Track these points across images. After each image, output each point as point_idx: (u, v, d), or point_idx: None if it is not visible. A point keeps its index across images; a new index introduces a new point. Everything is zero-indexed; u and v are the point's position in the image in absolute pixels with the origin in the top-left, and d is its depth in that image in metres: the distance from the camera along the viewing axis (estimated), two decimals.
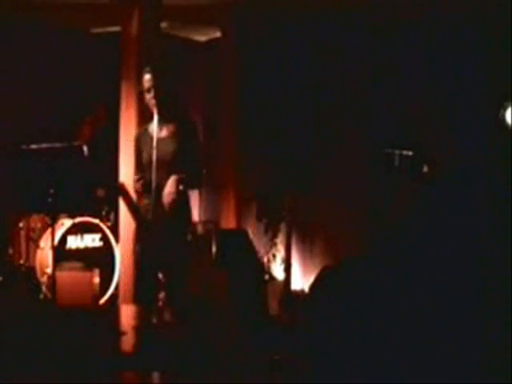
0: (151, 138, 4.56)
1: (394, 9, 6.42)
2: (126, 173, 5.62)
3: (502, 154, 5.72)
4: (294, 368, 4.99)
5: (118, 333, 5.74)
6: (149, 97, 4.58)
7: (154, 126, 4.52)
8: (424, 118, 6.50)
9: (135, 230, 4.70)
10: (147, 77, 4.59)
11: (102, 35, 7.75)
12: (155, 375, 4.45)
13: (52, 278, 5.99)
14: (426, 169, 5.87)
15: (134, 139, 4.72)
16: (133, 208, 4.70)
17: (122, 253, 6.20)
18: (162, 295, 4.59)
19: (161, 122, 4.51)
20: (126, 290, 5.92)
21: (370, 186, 6.89)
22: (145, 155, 4.58)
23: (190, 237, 7.73)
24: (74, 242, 6.58)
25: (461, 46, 6.26)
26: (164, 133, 4.56)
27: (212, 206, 8.02)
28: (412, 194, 6.37)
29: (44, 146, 6.52)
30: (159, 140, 4.47)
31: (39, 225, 6.62)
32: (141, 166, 4.65)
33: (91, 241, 6.68)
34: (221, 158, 7.73)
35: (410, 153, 6.04)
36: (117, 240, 6.46)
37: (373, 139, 6.84)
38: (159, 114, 4.50)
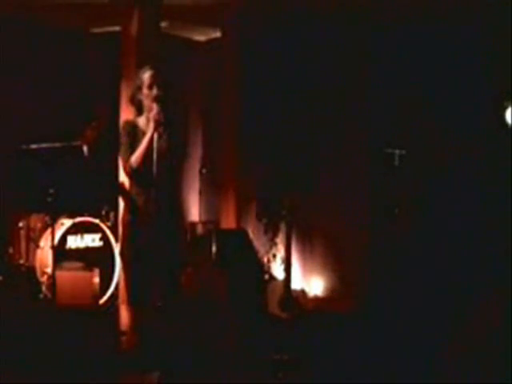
0: (143, 134, 4.55)
1: (394, 9, 6.43)
2: None
3: (502, 154, 5.73)
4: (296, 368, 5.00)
5: (118, 333, 5.75)
6: (148, 93, 4.58)
7: (149, 122, 4.51)
8: (424, 118, 6.51)
9: (127, 229, 4.68)
10: (149, 73, 4.60)
11: (101, 35, 7.75)
12: (155, 375, 4.46)
13: (52, 277, 5.99)
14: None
15: (123, 131, 4.65)
16: (131, 206, 4.68)
17: None
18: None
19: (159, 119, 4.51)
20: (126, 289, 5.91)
21: (370, 186, 6.89)
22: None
23: (188, 237, 7.75)
24: (74, 242, 6.57)
25: (461, 46, 6.27)
26: (160, 129, 4.55)
27: (212, 206, 8.03)
28: (412, 193, 6.38)
29: (44, 145, 6.52)
30: (157, 137, 4.47)
31: (39, 225, 6.61)
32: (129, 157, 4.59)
33: (91, 241, 6.68)
34: (221, 158, 7.73)
35: (404, 151, 6.05)
36: (117, 240, 6.46)
37: (373, 139, 6.85)
38: (158, 110, 4.50)
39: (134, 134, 4.60)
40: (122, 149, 4.60)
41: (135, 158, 4.52)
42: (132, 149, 4.55)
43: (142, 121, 4.66)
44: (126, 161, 4.55)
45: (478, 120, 6.11)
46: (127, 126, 4.67)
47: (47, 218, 6.51)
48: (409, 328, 5.09)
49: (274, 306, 6.09)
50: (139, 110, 4.69)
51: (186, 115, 8.37)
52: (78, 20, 7.43)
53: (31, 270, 6.46)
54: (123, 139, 4.61)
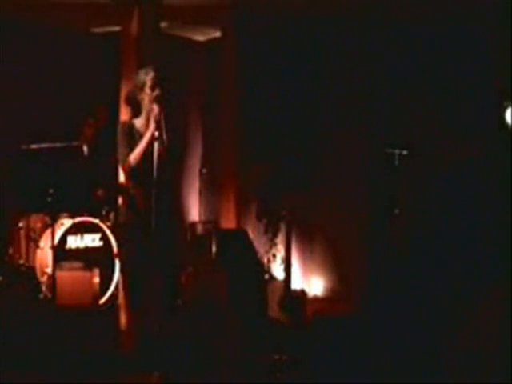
0: (140, 135, 4.56)
1: (394, 9, 6.43)
2: None
3: (502, 154, 5.73)
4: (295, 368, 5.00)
5: (118, 333, 5.76)
6: (150, 94, 4.58)
7: (149, 122, 4.51)
8: (424, 118, 6.51)
9: (126, 229, 4.68)
10: (152, 74, 4.60)
11: (101, 35, 7.74)
12: (155, 375, 4.46)
13: (52, 277, 5.99)
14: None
15: (120, 132, 4.64)
16: (130, 206, 4.69)
17: None
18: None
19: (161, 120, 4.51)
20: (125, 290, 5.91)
21: (370, 186, 6.89)
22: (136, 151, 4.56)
23: (189, 237, 7.75)
24: (74, 242, 6.57)
25: (461, 47, 6.27)
26: (160, 130, 4.55)
27: (212, 206, 8.03)
28: (412, 194, 6.38)
29: (44, 145, 6.52)
30: (158, 137, 4.47)
31: (39, 225, 6.61)
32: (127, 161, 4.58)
33: (91, 241, 6.68)
34: (221, 158, 7.73)
35: (404, 151, 6.06)
36: (117, 240, 6.46)
37: (373, 139, 6.85)
38: (160, 110, 4.50)
39: (131, 134, 4.60)
40: (120, 149, 4.61)
41: (134, 156, 4.53)
42: (130, 149, 4.55)
43: (139, 122, 4.65)
44: (125, 160, 4.56)
45: (478, 120, 6.11)
46: (124, 127, 4.67)
47: (47, 218, 6.51)
48: (408, 328, 5.09)
49: (273, 306, 6.09)
50: (137, 111, 4.69)
51: (185, 115, 8.37)
52: (78, 20, 7.42)
53: (31, 270, 6.46)
54: (121, 140, 4.61)
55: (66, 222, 6.54)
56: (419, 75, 6.53)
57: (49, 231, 6.34)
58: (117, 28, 6.83)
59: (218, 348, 5.35)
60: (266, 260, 7.51)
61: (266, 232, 7.64)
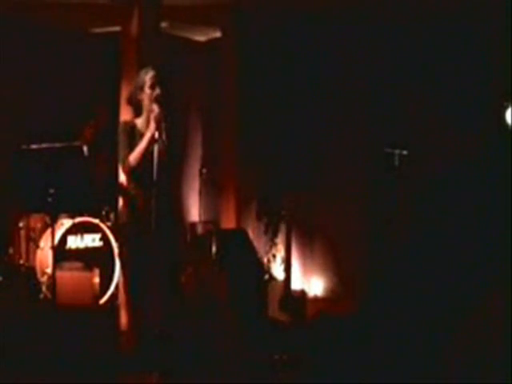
0: (141, 135, 4.56)
1: (394, 9, 6.43)
2: None
3: (502, 154, 5.73)
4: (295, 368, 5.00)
5: (118, 333, 5.76)
6: (150, 93, 4.58)
7: (150, 122, 4.51)
8: (424, 118, 6.51)
9: (126, 229, 4.69)
10: (151, 74, 4.60)
11: (102, 35, 7.74)
12: (155, 375, 4.46)
13: (52, 277, 5.99)
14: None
15: (121, 131, 4.64)
16: (130, 206, 4.69)
17: None
18: None
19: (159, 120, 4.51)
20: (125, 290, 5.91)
21: (370, 186, 6.89)
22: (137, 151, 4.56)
23: (189, 237, 7.75)
24: (74, 242, 6.58)
25: (461, 47, 6.27)
26: (160, 130, 4.55)
27: (212, 206, 8.02)
28: (412, 194, 6.38)
29: (44, 145, 6.52)
30: (158, 137, 4.47)
31: (39, 225, 6.61)
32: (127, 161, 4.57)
33: (91, 241, 6.68)
34: (221, 158, 7.73)
35: (404, 151, 6.06)
36: (117, 240, 6.46)
37: (373, 139, 6.85)
38: (160, 110, 4.50)
39: (132, 134, 4.61)
40: (121, 148, 4.61)
41: (134, 156, 4.53)
42: (130, 149, 4.56)
43: (140, 122, 4.66)
44: (125, 160, 4.56)
45: (478, 120, 6.11)
46: (125, 126, 4.68)
47: (47, 218, 6.51)
48: (408, 328, 5.09)
49: (273, 307, 6.09)
50: (138, 111, 4.69)
51: (185, 115, 8.37)
52: (78, 20, 7.42)
53: (31, 270, 6.46)
54: (121, 139, 4.62)
55: (66, 222, 6.55)
56: (419, 75, 6.53)
57: (49, 231, 6.33)
58: (117, 28, 6.83)
59: (218, 348, 5.36)
60: (266, 260, 7.51)
61: (266, 232, 7.63)
